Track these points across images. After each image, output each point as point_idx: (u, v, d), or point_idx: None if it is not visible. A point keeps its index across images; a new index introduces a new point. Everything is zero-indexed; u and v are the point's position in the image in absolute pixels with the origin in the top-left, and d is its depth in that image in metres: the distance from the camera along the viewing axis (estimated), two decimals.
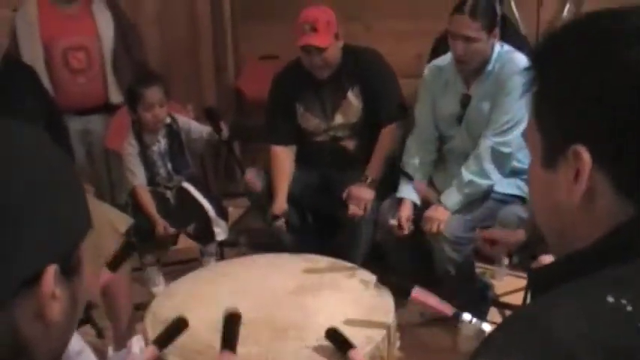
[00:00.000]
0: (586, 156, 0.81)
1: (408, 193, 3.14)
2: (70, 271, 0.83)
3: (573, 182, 0.83)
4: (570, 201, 0.84)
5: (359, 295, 2.46)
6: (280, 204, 3.26)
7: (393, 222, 3.03)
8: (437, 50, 3.75)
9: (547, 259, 2.25)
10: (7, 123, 0.84)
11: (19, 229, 0.75)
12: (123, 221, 3.09)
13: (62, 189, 0.83)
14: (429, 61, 3.78)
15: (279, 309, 2.38)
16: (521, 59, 2.97)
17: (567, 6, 3.97)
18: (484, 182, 3.00)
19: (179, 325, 2.06)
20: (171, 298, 2.49)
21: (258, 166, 3.60)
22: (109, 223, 3.00)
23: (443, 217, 2.97)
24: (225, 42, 4.71)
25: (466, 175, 3.01)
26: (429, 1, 4.19)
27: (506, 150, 2.98)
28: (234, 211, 4.38)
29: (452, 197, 3.02)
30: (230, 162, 4.51)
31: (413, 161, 3.20)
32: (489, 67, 3.00)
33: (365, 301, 2.41)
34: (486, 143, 2.98)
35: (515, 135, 2.93)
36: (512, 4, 3.95)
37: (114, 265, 2.15)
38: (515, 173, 3.08)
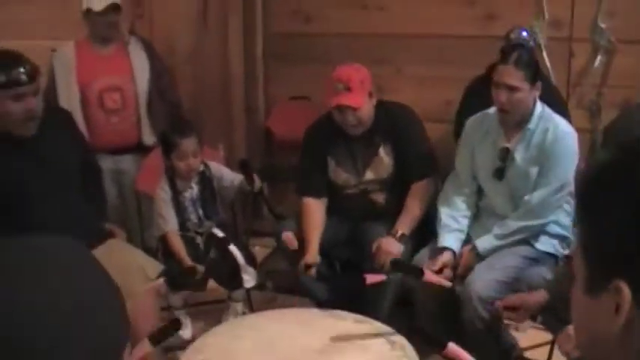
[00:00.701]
0: (627, 292, 0.83)
1: (449, 242, 3.15)
2: None
3: (613, 314, 0.85)
4: (609, 330, 0.86)
5: (385, 356, 2.48)
6: (313, 254, 3.24)
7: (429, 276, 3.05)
8: (466, 101, 3.79)
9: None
10: (41, 243, 0.87)
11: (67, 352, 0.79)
12: (153, 267, 3.13)
13: (100, 309, 0.86)
14: (459, 110, 3.83)
15: None
16: (564, 123, 3.07)
17: (599, 57, 3.98)
18: (537, 222, 3.07)
19: (174, 327, 2.37)
20: (200, 354, 2.52)
21: (289, 220, 3.59)
22: (140, 269, 3.05)
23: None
24: (256, 82, 4.76)
25: (514, 223, 3.07)
26: (460, 48, 4.24)
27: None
28: (260, 250, 4.41)
29: (486, 243, 3.08)
30: (258, 201, 4.55)
31: (451, 212, 3.22)
32: (531, 125, 3.05)
33: None
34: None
35: (563, 194, 3.04)
36: (544, 53, 3.98)
37: (157, 340, 2.21)
38: (552, 235, 3.12)
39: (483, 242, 3.08)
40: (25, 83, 2.79)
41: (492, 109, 3.17)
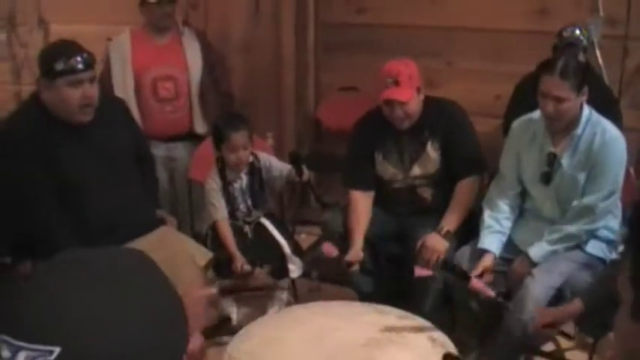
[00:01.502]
0: None
1: (490, 244, 3.16)
2: None
3: None
4: None
5: (426, 352, 2.52)
6: (356, 251, 3.30)
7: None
8: (516, 99, 3.77)
9: None
10: (114, 257, 0.92)
11: None
12: (203, 255, 3.22)
13: (171, 321, 0.90)
14: (509, 107, 3.82)
15: None
16: (611, 128, 3.04)
17: None
18: (588, 227, 3.06)
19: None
20: (246, 342, 2.59)
21: (335, 209, 3.66)
22: (190, 257, 3.13)
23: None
24: (307, 72, 4.80)
25: (565, 228, 3.06)
26: (512, 43, 4.21)
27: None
28: (306, 238, 4.47)
29: (539, 250, 3.06)
30: (305, 190, 4.60)
31: (494, 213, 3.23)
32: (578, 131, 3.02)
33: None
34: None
35: (613, 199, 3.03)
36: (597, 52, 3.93)
37: (209, 334, 2.35)
38: (601, 239, 3.11)
39: (536, 250, 3.06)
40: (81, 70, 2.88)
41: (538, 113, 3.13)
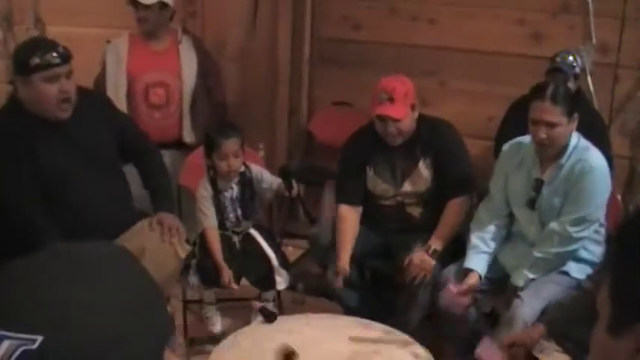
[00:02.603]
0: None
1: (476, 264, 3.18)
2: None
3: (633, 354, 0.90)
4: None
5: None
6: (343, 264, 3.30)
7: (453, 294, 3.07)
8: (508, 121, 3.80)
9: None
10: (86, 251, 0.93)
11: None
12: (183, 248, 3.25)
13: (154, 308, 0.91)
14: (500, 129, 3.85)
15: None
16: (595, 157, 3.05)
17: None
18: (554, 250, 3.05)
19: None
20: (230, 352, 2.61)
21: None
22: (171, 248, 3.17)
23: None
24: (301, 85, 4.81)
25: (534, 253, 3.07)
26: (506, 66, 4.24)
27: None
28: (293, 251, 4.48)
29: (522, 277, 3.06)
30: (294, 203, 4.61)
31: (482, 234, 3.25)
32: (564, 159, 3.05)
33: None
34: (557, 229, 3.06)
35: (586, 227, 3.03)
36: (589, 78, 3.97)
37: None
38: (584, 260, 3.13)
39: (517, 278, 3.06)
40: (58, 64, 2.89)
41: (528, 138, 3.14)
